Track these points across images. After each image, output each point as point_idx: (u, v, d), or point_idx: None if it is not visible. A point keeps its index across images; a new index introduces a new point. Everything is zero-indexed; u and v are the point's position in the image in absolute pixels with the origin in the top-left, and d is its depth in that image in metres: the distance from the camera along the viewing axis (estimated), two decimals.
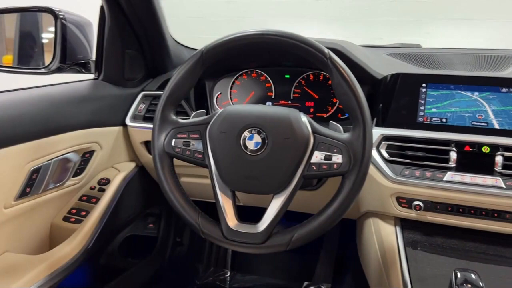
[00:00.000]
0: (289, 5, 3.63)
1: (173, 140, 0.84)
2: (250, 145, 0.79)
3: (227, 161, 0.81)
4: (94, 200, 1.16)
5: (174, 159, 0.86)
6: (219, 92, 1.25)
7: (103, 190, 1.19)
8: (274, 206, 0.80)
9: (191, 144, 0.84)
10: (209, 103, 1.25)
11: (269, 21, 3.62)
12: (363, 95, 0.79)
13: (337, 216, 0.79)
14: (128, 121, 1.22)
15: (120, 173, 1.25)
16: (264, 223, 0.80)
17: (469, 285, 0.75)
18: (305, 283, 1.59)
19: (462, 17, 3.63)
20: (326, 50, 0.79)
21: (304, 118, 0.81)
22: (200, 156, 0.83)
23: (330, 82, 1.14)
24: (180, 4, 3.66)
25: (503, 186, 0.90)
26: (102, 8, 1.17)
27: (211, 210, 0.82)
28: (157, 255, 1.58)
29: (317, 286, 1.56)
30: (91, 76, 1.25)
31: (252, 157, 0.79)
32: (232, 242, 0.81)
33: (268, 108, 0.84)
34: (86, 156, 1.15)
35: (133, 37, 1.22)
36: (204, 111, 0.90)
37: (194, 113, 0.89)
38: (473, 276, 0.77)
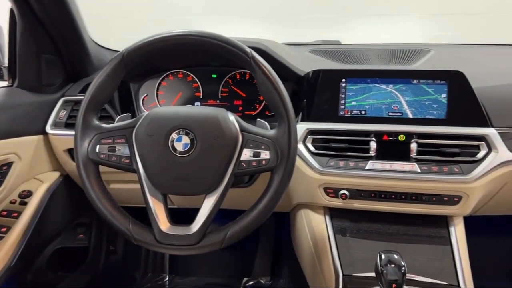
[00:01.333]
0: (215, 3, 3.63)
1: (97, 146, 0.82)
2: (179, 146, 0.79)
3: (155, 165, 0.80)
4: (15, 214, 1.09)
5: (100, 165, 0.83)
6: (145, 94, 1.22)
7: (25, 203, 1.12)
8: (207, 206, 0.81)
9: (116, 149, 0.82)
10: (135, 106, 1.22)
11: (195, 20, 3.59)
12: (286, 93, 0.81)
13: (269, 210, 0.81)
14: (48, 129, 1.16)
15: (43, 184, 1.18)
16: (197, 223, 0.80)
17: (393, 265, 0.81)
18: (245, 279, 1.61)
19: (381, 13, 3.84)
20: (248, 50, 0.81)
21: (232, 117, 0.82)
22: (127, 161, 0.82)
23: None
24: (102, 3, 3.51)
25: (419, 170, 0.98)
26: (11, 10, 1.10)
27: (145, 215, 0.81)
28: (90, 266, 1.52)
29: (257, 281, 1.59)
30: (5, 83, 1.17)
31: (181, 159, 0.79)
32: (166, 246, 0.81)
33: (196, 109, 0.84)
34: (4, 168, 1.07)
35: (48, 40, 1.16)
36: (130, 114, 0.88)
37: (118, 117, 0.87)
38: (395, 256, 0.83)
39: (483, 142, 0.97)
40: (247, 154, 0.80)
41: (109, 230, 1.59)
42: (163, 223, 0.81)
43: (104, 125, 0.83)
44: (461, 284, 0.93)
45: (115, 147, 0.82)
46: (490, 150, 0.96)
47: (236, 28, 3.54)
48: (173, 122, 0.80)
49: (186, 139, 0.79)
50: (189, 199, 0.98)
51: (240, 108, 1.18)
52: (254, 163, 0.80)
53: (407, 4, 3.82)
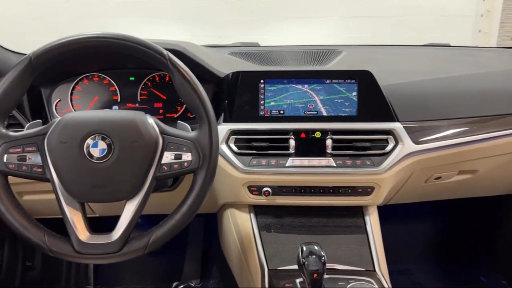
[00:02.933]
0: (134, 5, 3.52)
1: (5, 156, 0.77)
2: (95, 152, 0.77)
3: (71, 172, 0.77)
4: None
5: (10, 176, 0.78)
6: (58, 100, 1.16)
7: None
8: (128, 212, 0.79)
9: (27, 158, 0.77)
10: (48, 111, 1.16)
11: (112, 22, 3.46)
12: (206, 94, 0.82)
13: (192, 212, 0.81)
14: None
15: None
16: (118, 230, 0.79)
17: (313, 256, 0.85)
18: (175, 284, 1.59)
19: (301, 16, 3.97)
20: (165, 52, 0.80)
21: (151, 120, 0.81)
22: (40, 170, 0.78)
23: None
24: (8, 3, 3.26)
25: (334, 165, 1.03)
26: None
27: (64, 226, 0.78)
28: (4, 285, 1.41)
29: (186, 284, 1.58)
30: None
31: (98, 165, 0.77)
32: (86, 256, 0.78)
33: (112, 113, 0.82)
34: None
35: None
36: (40, 121, 0.84)
37: (28, 124, 0.82)
38: (316, 247, 0.87)
39: (390, 136, 1.05)
40: (168, 157, 0.80)
41: (25, 245, 1.49)
42: (81, 232, 0.78)
43: (12, 133, 0.78)
44: (377, 269, 1.01)
45: (25, 156, 0.77)
46: (397, 143, 1.05)
47: (159, 30, 3.46)
48: (88, 127, 0.77)
49: (102, 144, 0.77)
50: (110, 206, 0.95)
51: (161, 111, 1.17)
52: (175, 166, 0.80)
53: (325, 7, 3.99)
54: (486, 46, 3.31)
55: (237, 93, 1.06)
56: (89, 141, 0.77)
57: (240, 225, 1.09)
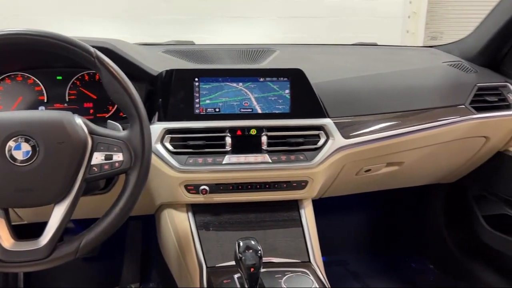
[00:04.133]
0: (68, 3, 3.36)
1: None
2: (18, 155, 0.73)
3: None
4: None
5: None
6: None
7: None
8: (56, 216, 0.76)
9: None
10: None
11: (42, 20, 3.27)
12: (136, 92, 0.81)
13: (125, 213, 0.80)
14: None
15: None
16: (46, 236, 0.75)
17: (250, 250, 0.87)
18: None
19: (239, 15, 3.99)
20: (92, 49, 0.78)
21: (79, 120, 0.78)
22: None
23: None
24: None
25: (270, 161, 1.06)
26: None
27: None
28: None
29: None
30: None
31: (22, 168, 0.73)
32: (12, 264, 0.74)
33: (36, 113, 0.79)
34: None
35: None
36: None
37: None
38: (252, 242, 0.89)
39: (322, 131, 1.09)
40: (98, 157, 0.78)
41: None
42: (5, 240, 0.74)
43: None
44: (312, 260, 1.04)
45: None
46: (328, 138, 1.09)
47: (93, 29, 3.33)
48: (9, 128, 0.73)
49: (26, 147, 0.73)
50: (38, 212, 0.90)
51: (91, 111, 1.13)
52: (106, 167, 0.78)
53: (263, 8, 4.04)
54: (412, 45, 3.52)
55: (171, 91, 1.05)
56: (11, 143, 0.73)
57: (177, 224, 1.08)
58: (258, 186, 1.08)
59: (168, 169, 1.02)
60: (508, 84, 1.32)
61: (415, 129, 1.17)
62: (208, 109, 1.07)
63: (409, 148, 1.22)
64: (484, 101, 1.26)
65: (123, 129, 0.84)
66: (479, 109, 1.25)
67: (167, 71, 1.08)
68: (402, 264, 1.80)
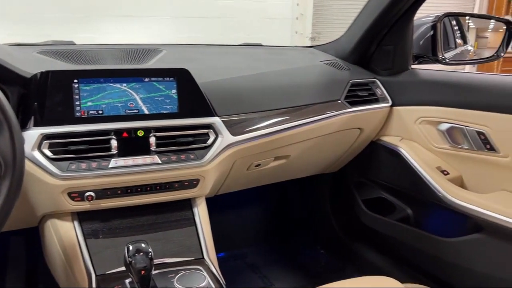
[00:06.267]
0: None
1: None
2: None
3: None
4: None
5: None
6: None
7: None
8: None
9: None
10: None
11: None
12: (2, 95, 0.75)
13: None
14: None
15: None
16: None
17: (140, 253, 0.86)
18: None
19: (130, 14, 3.86)
20: None
21: None
22: None
23: None
24: None
25: (160, 162, 1.05)
26: None
27: None
28: None
29: None
30: None
31: None
32: None
33: None
34: None
35: None
36: None
37: None
38: (143, 245, 0.88)
39: (211, 130, 1.11)
40: None
41: None
42: None
43: None
44: (205, 256, 1.06)
45: None
46: (217, 136, 1.11)
47: None
48: None
49: None
50: None
51: None
52: None
53: (155, 7, 3.96)
54: (300, 45, 3.73)
55: (47, 94, 0.99)
56: None
57: (63, 235, 1.02)
58: (148, 188, 1.07)
59: (48, 177, 0.96)
60: (376, 80, 1.48)
61: (298, 123, 1.26)
62: (91, 111, 1.03)
63: (293, 142, 1.30)
64: (356, 96, 1.39)
65: None
66: (353, 103, 1.38)
67: (42, 73, 1.01)
68: (296, 251, 1.91)
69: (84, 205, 1.02)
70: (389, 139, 1.47)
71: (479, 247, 1.21)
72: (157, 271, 0.91)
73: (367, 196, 1.60)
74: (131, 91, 1.07)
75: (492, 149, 1.21)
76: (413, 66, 1.49)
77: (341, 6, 4.81)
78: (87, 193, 1.00)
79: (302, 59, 1.57)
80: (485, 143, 1.22)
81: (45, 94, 0.99)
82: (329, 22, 4.91)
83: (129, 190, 1.05)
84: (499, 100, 1.19)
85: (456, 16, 1.57)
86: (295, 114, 1.27)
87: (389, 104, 1.44)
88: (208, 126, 1.11)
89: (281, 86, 1.33)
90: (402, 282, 0.97)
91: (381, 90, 1.46)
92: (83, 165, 0.99)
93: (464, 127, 1.26)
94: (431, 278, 1.39)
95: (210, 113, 1.12)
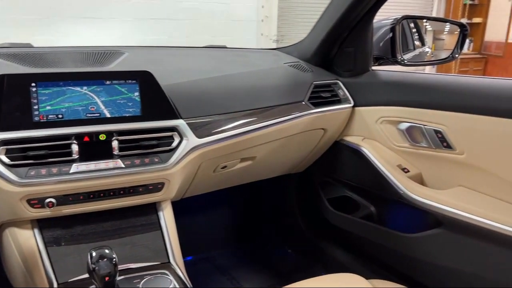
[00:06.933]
0: None
1: None
2: None
3: None
4: None
5: None
6: None
7: None
8: None
9: None
10: None
11: None
12: None
13: None
14: None
15: None
16: None
17: (104, 259, 0.84)
18: None
19: (92, 16, 3.77)
20: None
21: None
22: None
23: None
24: None
25: (123, 166, 1.03)
26: None
27: None
28: None
29: None
30: None
31: None
32: None
33: None
34: None
35: None
36: None
37: None
38: (106, 251, 0.86)
39: (175, 132, 1.10)
40: None
41: None
42: None
43: None
44: (171, 260, 1.05)
45: None
46: (182, 138, 1.11)
47: None
48: None
49: None
50: None
51: None
52: None
53: (116, 9, 3.89)
54: (257, 48, 3.76)
55: (3, 99, 0.96)
56: None
57: (22, 243, 0.99)
58: (112, 193, 1.05)
59: (5, 184, 0.93)
60: (338, 81, 1.51)
61: (263, 125, 1.27)
62: (50, 116, 1.00)
63: (259, 143, 1.31)
64: (319, 97, 1.42)
65: None
66: (316, 105, 1.40)
67: None
68: (264, 252, 1.92)
69: (45, 212, 0.99)
70: (351, 139, 1.51)
71: (439, 241, 1.26)
72: (122, 277, 0.90)
73: (332, 195, 1.63)
74: (92, 94, 1.05)
75: (449, 146, 1.26)
76: (373, 68, 1.53)
77: (305, 8, 4.89)
78: (48, 200, 0.97)
79: (266, 61, 1.59)
80: (442, 141, 1.27)
81: (1, 98, 0.96)
82: (294, 24, 4.98)
83: (91, 196, 1.03)
84: (455, 100, 1.24)
85: (414, 18, 1.63)
86: (260, 116, 1.27)
87: (351, 105, 1.48)
88: (172, 129, 1.10)
89: (245, 88, 1.33)
90: (367, 278, 1.00)
91: (343, 91, 1.49)
92: (43, 170, 0.96)
93: (422, 126, 1.31)
94: (395, 273, 1.43)
95: (174, 115, 1.11)
